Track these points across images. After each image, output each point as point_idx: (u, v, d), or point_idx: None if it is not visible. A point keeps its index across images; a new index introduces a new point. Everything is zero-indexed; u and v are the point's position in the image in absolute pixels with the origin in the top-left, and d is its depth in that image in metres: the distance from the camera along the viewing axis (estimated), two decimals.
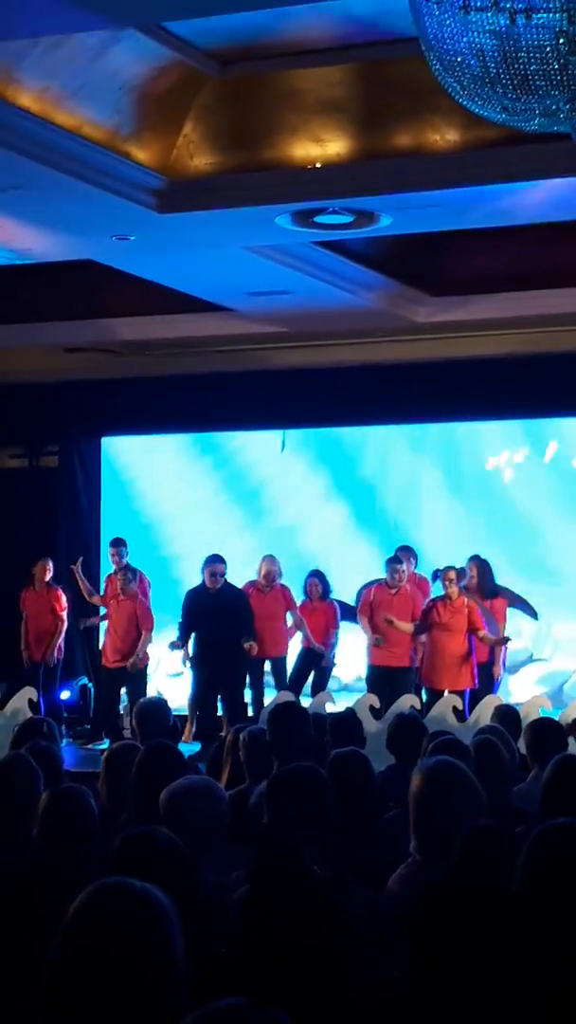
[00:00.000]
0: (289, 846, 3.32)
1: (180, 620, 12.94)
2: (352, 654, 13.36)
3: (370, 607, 12.63)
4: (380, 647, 12.47)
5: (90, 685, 14.62)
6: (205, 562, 12.91)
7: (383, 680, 12.41)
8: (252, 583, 13.29)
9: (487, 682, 12.30)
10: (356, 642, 13.10)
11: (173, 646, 13.02)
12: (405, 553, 13.03)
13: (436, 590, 12.70)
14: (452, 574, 12.25)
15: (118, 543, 13.93)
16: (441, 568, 12.56)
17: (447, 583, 12.20)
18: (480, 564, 12.76)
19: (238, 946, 2.96)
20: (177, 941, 2.41)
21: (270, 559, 13.38)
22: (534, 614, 13.56)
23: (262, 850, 3.42)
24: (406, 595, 12.60)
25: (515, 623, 13.19)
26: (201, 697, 12.75)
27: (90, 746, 12.83)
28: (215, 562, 12.85)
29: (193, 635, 12.81)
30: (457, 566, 12.55)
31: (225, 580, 12.90)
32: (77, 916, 2.45)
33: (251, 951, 2.80)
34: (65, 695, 14.19)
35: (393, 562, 12.71)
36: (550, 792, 5.05)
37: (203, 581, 12.85)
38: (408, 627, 12.32)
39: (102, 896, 2.47)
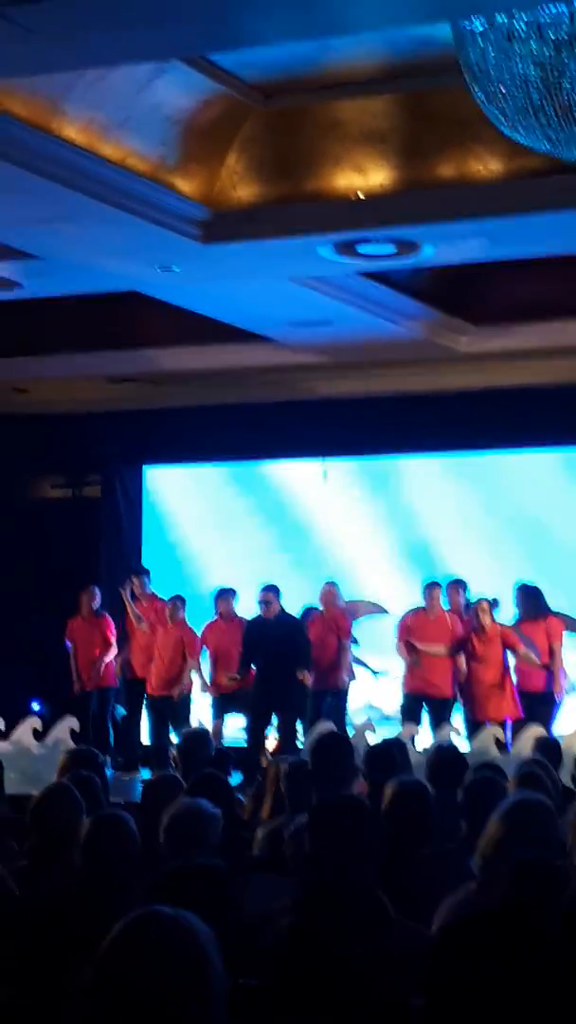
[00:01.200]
0: (337, 875, 3.30)
1: (241, 651, 12.90)
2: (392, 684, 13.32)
3: (407, 632, 12.63)
4: (416, 676, 12.44)
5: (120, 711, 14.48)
6: (258, 591, 12.91)
7: (418, 709, 12.39)
8: (315, 610, 13.25)
9: (542, 707, 12.14)
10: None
11: (232, 679, 12.96)
12: (455, 585, 12.98)
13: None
14: (485, 604, 12.22)
15: (142, 571, 13.99)
16: (474, 599, 12.51)
17: (480, 614, 12.16)
18: (525, 591, 12.66)
19: (281, 976, 2.94)
20: (215, 969, 2.39)
21: (329, 586, 13.31)
22: None
23: (309, 879, 3.40)
24: (443, 621, 12.57)
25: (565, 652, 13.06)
26: (253, 729, 12.69)
27: (126, 777, 12.78)
28: (264, 591, 12.83)
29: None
30: (490, 597, 12.50)
31: (282, 609, 12.85)
32: (112, 945, 2.43)
33: (295, 982, 2.78)
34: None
35: (430, 587, 12.70)
36: None
37: (260, 612, 12.84)
38: (438, 649, 12.27)
39: (136, 925, 2.45)
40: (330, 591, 13.27)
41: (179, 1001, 2.34)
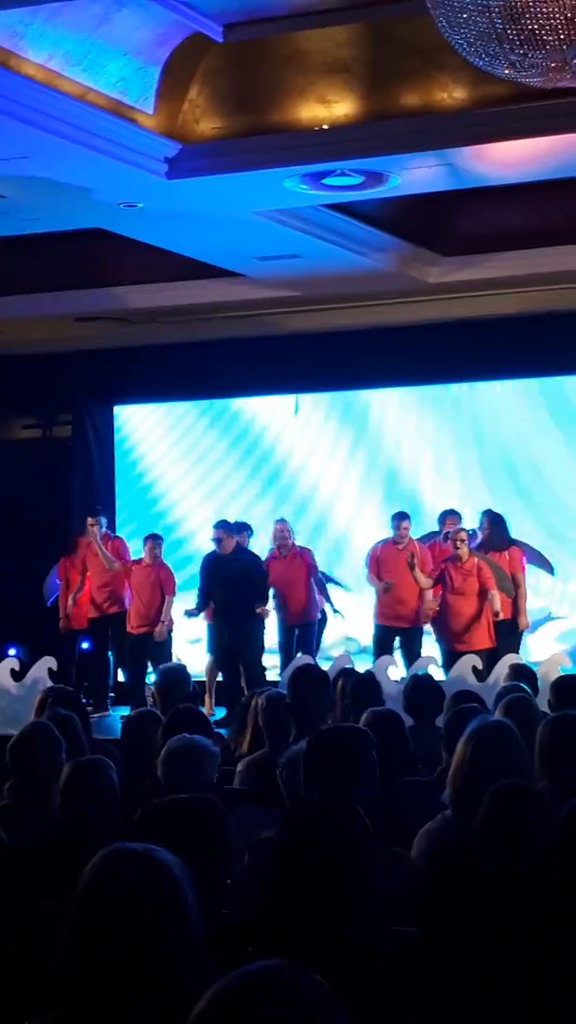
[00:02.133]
0: (323, 802, 3.34)
1: (198, 586, 13.00)
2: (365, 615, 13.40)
3: (377, 563, 12.72)
4: (387, 605, 12.52)
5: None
6: (214, 529, 12.97)
7: (390, 640, 12.51)
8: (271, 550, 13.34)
9: (511, 637, 12.28)
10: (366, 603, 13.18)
11: (189, 614, 13.07)
12: (451, 516, 13.01)
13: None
14: (463, 535, 12.26)
15: (98, 512, 14.07)
16: (452, 530, 12.57)
17: (457, 544, 12.21)
18: (492, 518, 12.75)
19: (265, 902, 2.98)
20: (188, 901, 2.43)
21: (281, 523, 13.39)
22: (551, 569, 13.55)
23: (296, 806, 3.43)
24: (411, 550, 12.65)
25: (533, 580, 13.16)
26: (223, 663, 12.80)
27: (96, 715, 12.80)
28: (217, 528, 12.90)
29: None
30: (467, 527, 12.56)
31: (238, 545, 12.94)
32: (84, 884, 2.48)
33: (277, 908, 2.82)
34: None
35: (398, 518, 12.78)
36: (549, 749, 5.00)
37: (215, 548, 12.91)
38: (425, 581, 12.34)
39: (106, 863, 2.50)
40: (283, 528, 13.31)
41: (153, 935, 2.37)
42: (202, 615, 13.02)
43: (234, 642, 12.61)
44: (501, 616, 12.16)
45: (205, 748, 5.16)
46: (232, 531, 12.99)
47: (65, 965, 2.42)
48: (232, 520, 13.32)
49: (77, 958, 2.41)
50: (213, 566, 12.85)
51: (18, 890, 4.31)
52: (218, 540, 12.85)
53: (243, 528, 13.43)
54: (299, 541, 13.59)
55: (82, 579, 13.81)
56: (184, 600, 13.40)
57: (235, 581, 12.59)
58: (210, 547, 13.09)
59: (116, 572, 13.51)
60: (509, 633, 12.29)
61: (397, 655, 12.55)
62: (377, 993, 2.51)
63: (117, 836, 4.32)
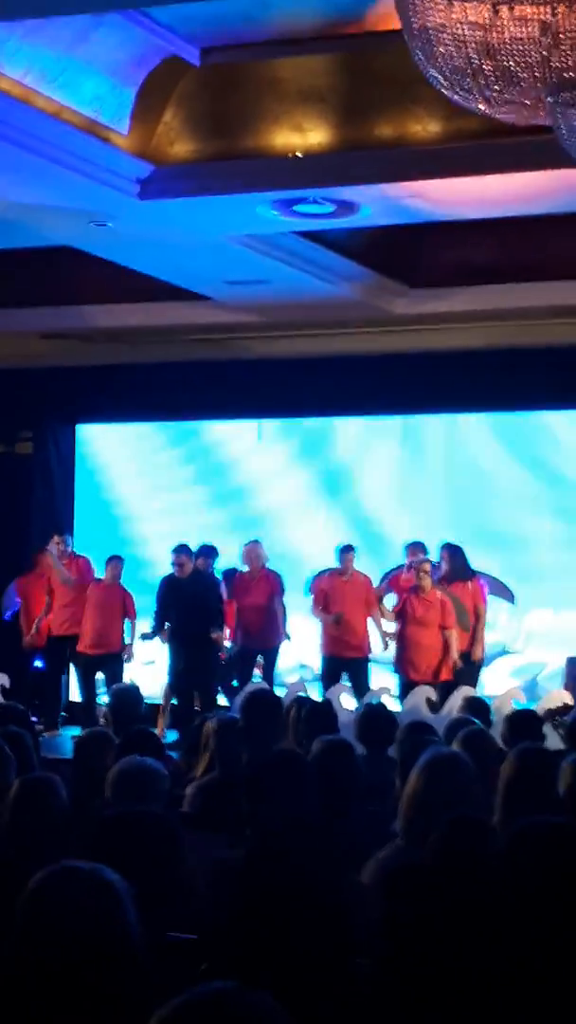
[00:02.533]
0: (284, 829, 3.33)
1: (155, 609, 12.97)
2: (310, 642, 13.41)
3: (324, 595, 12.73)
4: (335, 636, 12.54)
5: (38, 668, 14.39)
6: (170, 552, 12.96)
7: (339, 670, 12.52)
8: (239, 572, 13.31)
9: (468, 669, 12.30)
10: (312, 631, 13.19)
11: (145, 637, 13.04)
12: (417, 547, 13.03)
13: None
14: (427, 565, 12.29)
15: (64, 530, 14.11)
16: (415, 560, 12.60)
17: (421, 575, 12.23)
18: (451, 550, 12.78)
19: (231, 927, 2.97)
20: (129, 918, 2.43)
21: (250, 544, 13.37)
22: (511, 597, 13.60)
23: (251, 835, 3.42)
24: (359, 582, 12.68)
25: (491, 615, 13.19)
26: (177, 687, 12.76)
27: (46, 734, 12.73)
28: (177, 552, 12.89)
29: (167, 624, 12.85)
30: (431, 559, 12.59)
31: (196, 569, 12.92)
32: (27, 900, 2.47)
33: (245, 933, 2.81)
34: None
35: (344, 550, 12.81)
36: (511, 784, 5.03)
37: (173, 572, 12.89)
38: (391, 626, 12.38)
39: (48, 879, 2.49)
40: (254, 549, 13.31)
41: (93, 951, 2.37)
42: (158, 637, 12.98)
43: (188, 666, 12.58)
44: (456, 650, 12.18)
45: (155, 770, 5.13)
46: (191, 555, 12.97)
47: (5, 980, 2.41)
48: (195, 543, 13.27)
49: (17, 973, 2.40)
50: (170, 589, 12.83)
51: None
52: (178, 564, 12.83)
53: (208, 552, 13.37)
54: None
55: (50, 599, 13.70)
56: (143, 622, 13.36)
57: (191, 605, 12.57)
58: (170, 569, 13.06)
59: (76, 592, 13.42)
60: (465, 665, 12.31)
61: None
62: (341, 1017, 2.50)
63: (66, 854, 4.30)
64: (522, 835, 3.17)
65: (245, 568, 13.33)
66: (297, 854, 2.84)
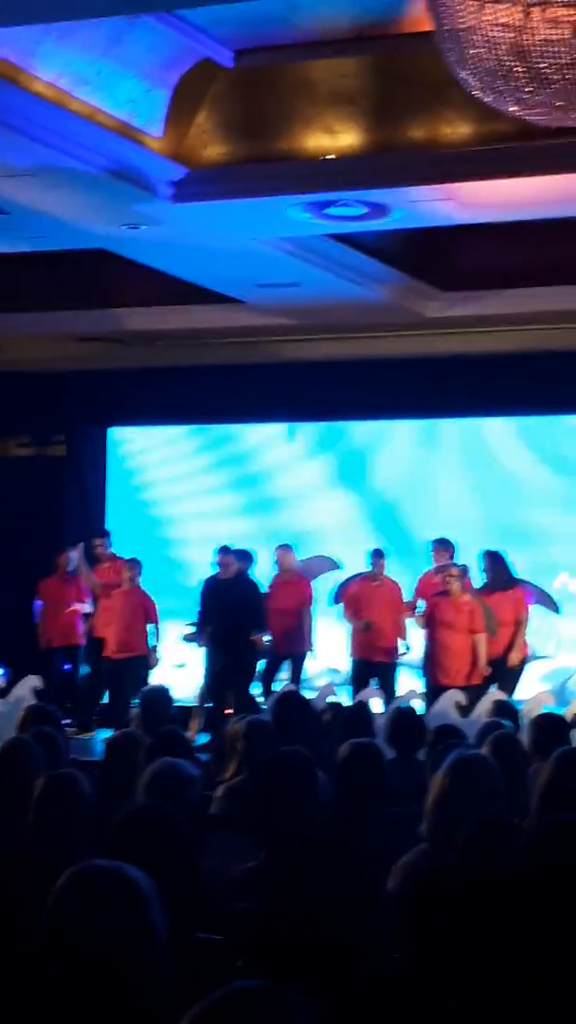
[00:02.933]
0: (294, 832, 3.33)
1: (197, 610, 12.94)
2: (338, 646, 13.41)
3: (354, 600, 12.70)
4: (364, 640, 12.52)
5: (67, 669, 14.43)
6: (214, 553, 12.95)
7: (368, 674, 12.49)
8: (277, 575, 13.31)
9: (506, 674, 12.22)
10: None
11: (188, 638, 13.02)
12: (441, 546, 12.99)
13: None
14: (455, 571, 12.25)
15: (102, 533, 14.04)
16: (443, 565, 12.56)
17: (448, 580, 12.19)
18: (492, 557, 12.71)
19: (251, 929, 2.98)
20: (155, 917, 2.44)
21: (281, 549, 13.35)
22: (555, 608, 13.53)
23: (267, 836, 3.42)
24: (389, 588, 12.65)
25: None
26: (212, 689, 12.74)
27: (79, 735, 12.76)
28: (222, 552, 12.87)
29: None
30: (460, 564, 12.55)
31: (239, 571, 12.89)
32: (55, 900, 2.49)
33: (268, 936, 2.82)
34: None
35: (376, 555, 12.77)
36: (550, 786, 5.01)
37: (216, 572, 12.88)
38: (420, 623, 12.35)
39: (75, 879, 2.50)
40: (285, 555, 13.29)
41: (120, 950, 2.38)
42: (199, 640, 12.96)
43: (226, 667, 12.54)
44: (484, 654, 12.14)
45: (187, 773, 5.13)
46: (234, 556, 12.95)
47: (35, 980, 2.42)
48: (232, 546, 13.26)
49: (46, 973, 2.41)
50: (212, 590, 12.81)
51: None
52: (222, 565, 12.81)
53: (245, 555, 13.36)
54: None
55: (93, 601, 13.76)
56: (170, 625, 13.37)
57: (233, 607, 12.54)
58: (207, 571, 13.05)
59: (106, 595, 13.45)
60: (502, 670, 12.24)
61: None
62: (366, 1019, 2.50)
63: (91, 852, 4.30)
64: (554, 831, 3.16)
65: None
66: (313, 858, 2.86)
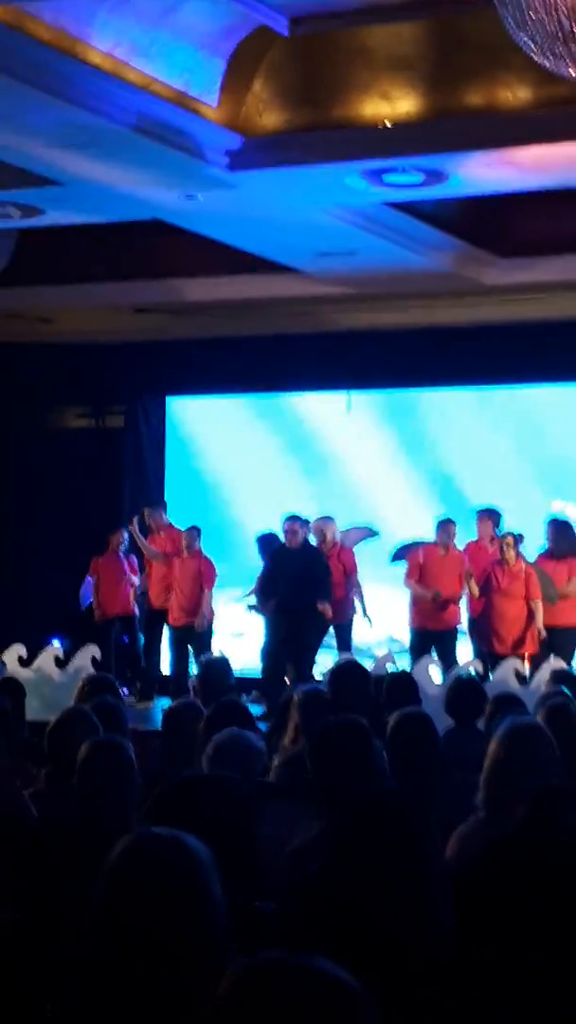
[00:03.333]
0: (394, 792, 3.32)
1: (262, 578, 12.95)
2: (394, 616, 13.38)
3: (420, 570, 12.65)
4: (426, 611, 12.49)
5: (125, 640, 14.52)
6: (283, 520, 12.95)
7: (428, 644, 12.45)
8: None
9: (564, 643, 12.17)
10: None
11: (252, 608, 13.04)
12: (486, 515, 12.95)
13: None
14: (510, 539, 12.23)
15: (158, 503, 14.23)
16: (501, 534, 12.52)
17: (505, 548, 12.17)
18: (558, 526, 12.64)
19: (308, 900, 2.97)
20: (215, 890, 2.42)
21: (324, 520, 13.36)
22: None
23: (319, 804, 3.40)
24: (455, 557, 12.60)
25: None
26: (272, 659, 12.76)
27: (140, 705, 12.85)
28: (290, 520, 12.86)
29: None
30: (516, 532, 12.49)
31: (306, 540, 12.90)
32: (113, 868, 2.47)
33: (323, 907, 2.80)
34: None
35: (445, 524, 12.72)
36: None
37: (284, 540, 12.87)
38: (475, 590, 12.31)
39: (135, 847, 2.49)
40: (326, 526, 13.29)
41: (179, 922, 2.37)
42: (261, 610, 12.97)
43: (288, 636, 12.54)
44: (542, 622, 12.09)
45: (252, 743, 5.14)
46: (303, 524, 12.95)
47: (90, 949, 2.42)
48: (299, 515, 13.22)
49: (102, 942, 2.41)
50: (279, 559, 12.81)
51: (45, 873, 4.32)
52: (290, 532, 12.80)
53: (306, 525, 13.37)
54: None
55: (146, 573, 13.87)
56: (225, 592, 13.40)
57: (299, 576, 12.53)
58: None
59: (171, 564, 13.53)
60: (562, 637, 12.19)
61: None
62: (418, 999, 2.48)
63: (135, 819, 4.32)
64: None
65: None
66: (370, 829, 2.83)
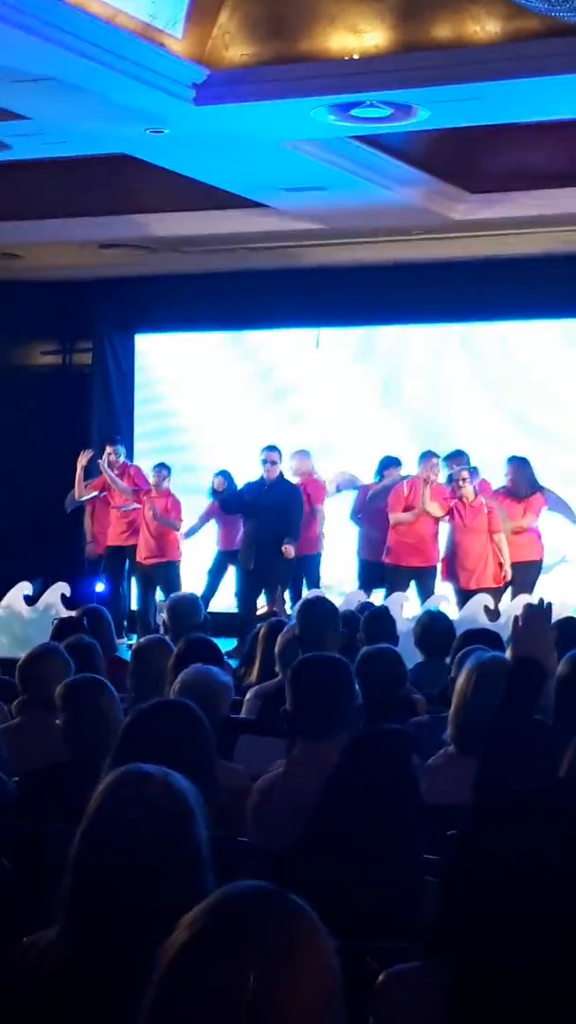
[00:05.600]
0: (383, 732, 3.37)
1: (233, 492, 12.94)
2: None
3: (405, 502, 12.69)
4: (404, 547, 12.55)
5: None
6: (261, 451, 12.93)
7: (405, 580, 12.52)
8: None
9: (525, 576, 12.29)
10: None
11: (216, 495, 13.01)
12: (455, 459, 12.97)
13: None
14: (464, 474, 12.30)
15: (116, 441, 14.14)
16: (454, 471, 12.56)
17: (460, 483, 12.23)
18: (517, 463, 12.70)
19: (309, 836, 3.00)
20: (200, 829, 2.41)
21: (299, 455, 13.38)
22: (574, 518, 13.53)
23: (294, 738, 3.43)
24: (439, 491, 12.65)
25: (549, 525, 13.12)
26: (242, 592, 12.80)
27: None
28: (269, 451, 12.84)
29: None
30: (470, 467, 12.55)
31: (281, 474, 12.88)
32: (99, 802, 2.46)
33: (322, 834, 2.85)
34: (100, 587, 14.14)
35: (428, 457, 12.75)
36: (564, 686, 5.01)
37: (262, 474, 12.86)
38: (437, 509, 12.34)
39: (122, 782, 2.47)
40: (303, 462, 13.30)
41: (165, 855, 2.37)
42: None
43: (259, 568, 12.55)
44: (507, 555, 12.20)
45: (218, 679, 5.17)
46: (280, 458, 12.92)
47: (72, 882, 2.41)
48: (254, 452, 13.21)
49: (85, 876, 2.40)
50: (253, 492, 12.81)
51: (22, 809, 4.35)
52: (269, 462, 12.77)
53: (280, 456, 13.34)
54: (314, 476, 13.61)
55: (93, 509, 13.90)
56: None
57: (271, 509, 12.52)
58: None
59: (134, 502, 13.54)
60: (517, 573, 12.31)
61: (412, 593, 12.56)
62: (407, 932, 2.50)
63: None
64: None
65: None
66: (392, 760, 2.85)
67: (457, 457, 13.00)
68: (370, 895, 3.01)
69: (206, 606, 13.47)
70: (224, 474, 13.53)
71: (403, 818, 3.10)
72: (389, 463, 13.33)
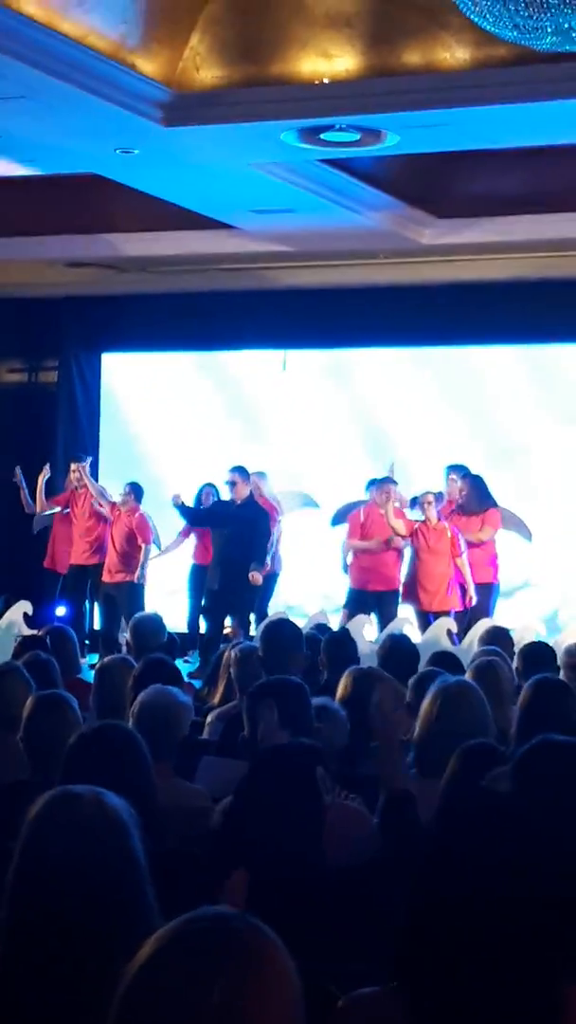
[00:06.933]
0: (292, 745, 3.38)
1: (197, 513, 12.95)
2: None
3: (361, 528, 12.72)
4: (365, 570, 12.56)
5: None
6: (229, 471, 12.87)
7: (367, 603, 12.52)
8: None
9: (485, 600, 12.34)
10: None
11: (177, 505, 12.94)
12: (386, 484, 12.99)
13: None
14: (430, 497, 12.34)
15: (83, 458, 14.09)
16: (419, 494, 12.59)
17: (425, 506, 12.27)
18: (471, 480, 12.76)
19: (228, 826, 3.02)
20: (135, 845, 2.39)
21: (255, 476, 13.35)
22: (528, 535, 13.59)
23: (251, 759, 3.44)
24: (400, 513, 12.67)
25: (511, 547, 13.18)
26: (207, 610, 12.75)
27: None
28: (233, 471, 12.73)
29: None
30: (434, 491, 12.59)
31: (251, 495, 12.78)
32: (30, 825, 2.44)
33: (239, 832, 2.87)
34: (61, 611, 14.08)
35: (383, 483, 12.76)
36: (527, 713, 5.03)
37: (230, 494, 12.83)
38: (401, 527, 12.34)
39: (52, 804, 2.45)
40: (260, 483, 13.28)
41: (99, 878, 2.34)
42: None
43: (224, 591, 12.50)
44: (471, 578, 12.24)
45: (178, 700, 5.16)
46: (247, 478, 12.84)
47: (9, 905, 2.38)
48: (219, 472, 13.15)
49: (20, 901, 2.37)
50: (221, 510, 12.76)
51: None
52: (232, 484, 12.69)
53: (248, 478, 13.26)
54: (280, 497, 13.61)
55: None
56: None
57: (238, 532, 12.46)
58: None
59: (95, 521, 13.49)
60: (483, 595, 12.36)
61: (372, 616, 12.56)
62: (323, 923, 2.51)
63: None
64: (535, 753, 3.19)
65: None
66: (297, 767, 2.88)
67: (383, 484, 12.90)
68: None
69: (194, 623, 13.51)
70: (210, 487, 13.49)
71: (303, 827, 3.12)
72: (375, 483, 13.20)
